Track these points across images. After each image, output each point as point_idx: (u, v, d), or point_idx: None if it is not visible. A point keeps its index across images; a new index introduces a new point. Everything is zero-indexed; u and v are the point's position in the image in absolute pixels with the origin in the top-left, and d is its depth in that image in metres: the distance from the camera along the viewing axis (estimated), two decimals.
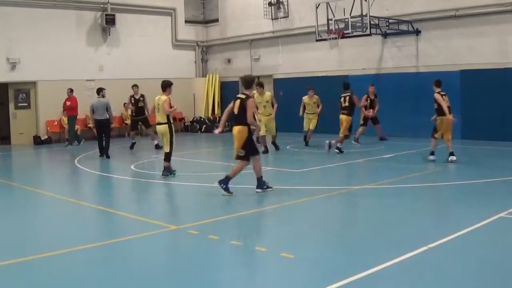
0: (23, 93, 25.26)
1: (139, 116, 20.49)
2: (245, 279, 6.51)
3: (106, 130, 18.28)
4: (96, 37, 26.84)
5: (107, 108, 18.21)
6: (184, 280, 6.44)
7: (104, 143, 18.19)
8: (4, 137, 24.76)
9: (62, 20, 25.58)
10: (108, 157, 18.04)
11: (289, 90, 25.87)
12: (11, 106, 24.94)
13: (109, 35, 27.03)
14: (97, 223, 9.92)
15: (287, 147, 19.53)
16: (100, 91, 18.58)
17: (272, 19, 26.78)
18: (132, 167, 16.07)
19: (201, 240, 8.07)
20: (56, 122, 25.53)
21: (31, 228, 9.51)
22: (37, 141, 24.81)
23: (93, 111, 18.27)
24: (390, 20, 21.49)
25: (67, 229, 9.31)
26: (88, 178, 15.25)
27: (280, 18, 26.52)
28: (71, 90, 23.09)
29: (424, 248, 7.17)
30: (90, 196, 12.43)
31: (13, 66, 24.32)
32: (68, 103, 23.08)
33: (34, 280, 6.54)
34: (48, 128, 25.42)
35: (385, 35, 22.35)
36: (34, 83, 25.06)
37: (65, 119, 25.21)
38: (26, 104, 25.25)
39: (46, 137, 25.09)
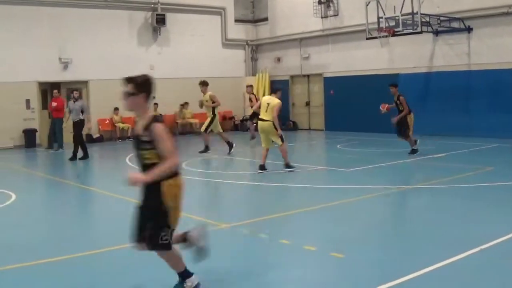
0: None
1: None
2: (294, 278, 6.49)
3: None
4: (146, 36, 27.15)
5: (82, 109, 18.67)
6: (232, 279, 6.46)
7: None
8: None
9: (113, 20, 25.97)
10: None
11: (339, 89, 25.77)
12: (66, 104, 25.33)
13: (160, 34, 27.30)
14: None
15: (338, 146, 19.42)
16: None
17: (321, 18, 26.67)
18: (182, 165, 16.15)
19: (250, 238, 8.10)
20: (107, 121, 25.89)
21: (84, 225, 9.69)
22: (89, 139, 25.18)
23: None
24: (441, 18, 21.21)
25: (119, 226, 9.40)
26: None
27: (330, 16, 26.39)
28: (58, 91, 22.60)
29: (477, 249, 7.05)
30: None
31: (65, 65, 24.77)
32: (54, 104, 21.97)
33: (87, 275, 6.68)
34: (100, 127, 25.81)
35: (436, 33, 22.04)
36: (86, 83, 25.47)
37: (116, 118, 25.60)
38: None
39: (97, 135, 25.48)
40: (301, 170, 14.58)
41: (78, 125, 18.56)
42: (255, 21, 31.02)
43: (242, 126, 29.11)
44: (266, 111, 14.16)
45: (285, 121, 28.55)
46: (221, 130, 19.20)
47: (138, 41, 26.88)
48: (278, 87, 15.04)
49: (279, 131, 14.06)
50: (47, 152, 21.48)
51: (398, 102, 16.81)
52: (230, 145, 18.59)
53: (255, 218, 9.37)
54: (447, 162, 15.43)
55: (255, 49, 31.08)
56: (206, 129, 18.65)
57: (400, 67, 23.48)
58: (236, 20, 30.24)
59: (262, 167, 14.19)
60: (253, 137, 21.28)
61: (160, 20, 26.72)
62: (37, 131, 23.72)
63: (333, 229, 8.73)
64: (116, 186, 13.42)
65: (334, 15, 26.22)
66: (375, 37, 21.32)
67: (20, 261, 7.23)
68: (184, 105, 27.23)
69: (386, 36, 20.92)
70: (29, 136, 23.66)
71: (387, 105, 17.48)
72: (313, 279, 6.48)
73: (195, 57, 27.97)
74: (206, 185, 13.27)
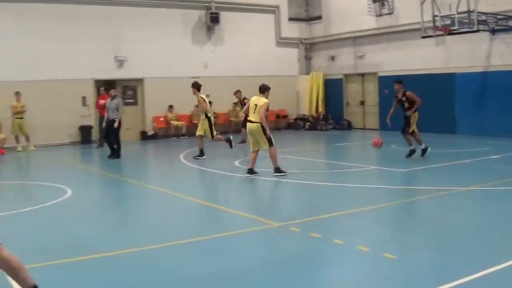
0: (131, 90, 26.06)
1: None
2: (346, 279, 6.46)
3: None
4: (201, 35, 27.33)
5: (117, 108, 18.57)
6: (285, 277, 6.45)
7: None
8: None
9: (168, 19, 26.23)
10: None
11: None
12: None
13: (214, 33, 27.45)
14: (201, 218, 10.10)
15: (392, 145, 19.23)
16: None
17: (376, 16, 26.43)
18: (236, 163, 16.25)
19: (303, 237, 8.09)
20: (162, 118, 26.15)
21: (139, 221, 9.82)
22: (144, 136, 25.54)
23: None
24: (498, 16, 20.80)
25: (172, 223, 9.54)
26: (192, 173, 15.52)
27: (384, 14, 26.13)
28: (104, 89, 22.73)
29: None
30: (194, 191, 12.61)
31: (120, 63, 25.14)
32: (101, 101, 22.24)
33: (141, 270, 6.76)
34: (155, 124, 26.10)
35: (493, 32, 21.61)
36: (141, 80, 25.79)
37: (170, 115, 25.85)
38: (133, 101, 26.02)
39: (152, 132, 25.78)
40: (355, 170, 14.50)
41: (112, 124, 18.56)
42: (309, 19, 30.90)
43: (295, 125, 29.07)
44: (254, 112, 13.60)
45: (339, 120, 28.43)
46: (203, 135, 17.89)
47: (192, 40, 27.09)
48: (266, 86, 14.00)
49: (268, 133, 13.52)
50: (100, 148, 21.80)
51: (403, 99, 16.00)
52: (201, 153, 17.66)
53: (307, 217, 9.34)
54: (504, 163, 15.12)
55: (309, 47, 30.96)
56: (212, 135, 17.77)
57: (456, 66, 23.10)
58: (290, 19, 30.18)
59: (251, 171, 13.70)
60: (243, 141, 20.90)
61: (214, 19, 26.86)
62: (92, 128, 24.11)
63: (386, 230, 8.66)
64: (169, 183, 13.65)
65: (389, 14, 25.92)
66: (431, 36, 21.06)
67: (76, 255, 7.37)
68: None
69: (442, 35, 20.63)
70: (85, 133, 24.09)
71: (380, 140, 17.80)
72: (365, 279, 6.44)
73: (248, 56, 28.05)
74: (257, 183, 13.28)
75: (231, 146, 18.08)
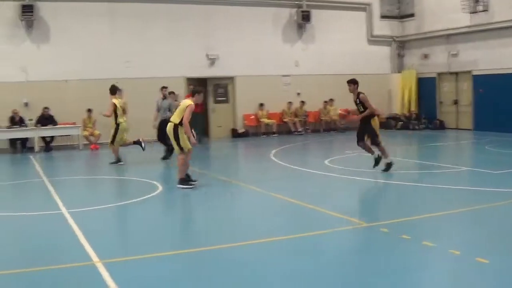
0: (222, 88, 26.41)
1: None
2: (438, 283, 6.38)
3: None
4: (291, 33, 27.37)
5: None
6: (373, 278, 6.43)
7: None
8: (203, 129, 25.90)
9: (259, 17, 26.41)
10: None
11: (489, 88, 24.85)
12: (211, 100, 26.16)
13: (305, 31, 27.46)
14: (290, 216, 10.13)
15: (486, 146, 18.74)
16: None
17: (470, 13, 25.76)
18: (326, 162, 16.22)
19: (392, 239, 8.02)
20: (252, 116, 26.36)
21: (229, 218, 9.95)
22: (235, 134, 25.82)
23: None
24: None
25: (262, 220, 9.63)
26: (282, 171, 15.56)
27: (479, 12, 25.44)
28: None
29: None
30: (284, 189, 12.61)
31: (212, 62, 25.51)
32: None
33: (241, 265, 6.92)
34: (245, 122, 26.34)
35: None
36: (232, 78, 26.10)
37: (261, 113, 26.03)
38: (224, 99, 26.37)
39: (243, 130, 26.03)
40: (447, 171, 14.25)
41: (165, 124, 18.01)
42: (401, 17, 30.40)
43: (387, 124, 28.69)
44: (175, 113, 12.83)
45: (432, 120, 27.90)
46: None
47: (283, 38, 27.16)
48: (198, 89, 13.11)
49: (181, 141, 12.43)
50: None
51: (357, 101, 13.93)
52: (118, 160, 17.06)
53: (397, 218, 9.25)
54: None
55: (401, 45, 30.50)
56: (112, 141, 17.07)
57: None
58: (382, 16, 29.81)
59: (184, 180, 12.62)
60: None
61: (305, 17, 26.83)
62: None
63: (478, 233, 8.47)
64: (259, 180, 13.74)
65: (484, 11, 25.22)
66: None
67: (178, 248, 7.56)
68: (328, 101, 27.24)
69: None
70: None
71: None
72: (457, 283, 6.34)
73: (339, 54, 27.83)
74: (347, 183, 13.23)
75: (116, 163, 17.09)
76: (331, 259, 7.21)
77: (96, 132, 22.69)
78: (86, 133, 22.67)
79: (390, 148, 18.34)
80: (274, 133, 25.98)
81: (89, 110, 22.66)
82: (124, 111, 17.13)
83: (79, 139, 22.36)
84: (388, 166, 13.82)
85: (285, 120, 26.51)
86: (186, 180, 12.44)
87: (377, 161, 14.04)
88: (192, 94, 12.89)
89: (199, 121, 22.65)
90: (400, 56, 30.36)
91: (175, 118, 12.43)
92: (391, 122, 28.57)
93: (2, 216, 10.24)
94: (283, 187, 13.02)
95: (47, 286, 6.32)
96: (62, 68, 23.06)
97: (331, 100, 27.08)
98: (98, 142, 22.40)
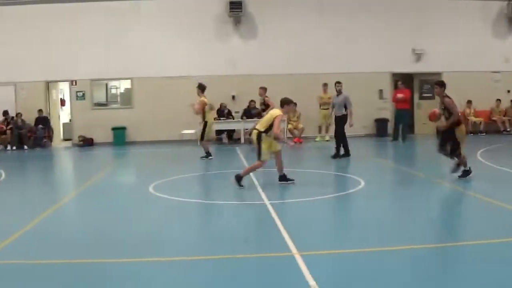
0: (428, 83, 25.71)
1: None
2: None
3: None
4: (501, 28, 25.96)
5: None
6: None
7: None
8: (409, 126, 25.34)
9: (466, 11, 25.40)
10: None
11: None
12: (416, 96, 25.59)
13: None
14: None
15: None
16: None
17: None
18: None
19: None
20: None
21: (427, 217, 9.58)
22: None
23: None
24: None
25: (461, 222, 9.22)
26: (490, 172, 14.71)
27: None
28: (402, 83, 22.76)
29: None
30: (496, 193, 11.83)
31: (418, 57, 24.93)
32: (400, 95, 22.42)
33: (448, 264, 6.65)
34: None
35: None
36: (439, 74, 25.27)
37: (468, 111, 25.03)
38: (430, 95, 25.64)
39: None
40: None
41: (340, 120, 17.26)
42: None
43: None
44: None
45: None
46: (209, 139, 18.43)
47: (492, 33, 25.85)
48: (287, 99, 12.64)
49: (262, 149, 12.05)
50: (395, 143, 21.86)
51: (443, 107, 12.65)
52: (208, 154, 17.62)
53: None
54: None
55: None
56: (202, 137, 17.89)
57: None
58: None
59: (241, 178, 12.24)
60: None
61: None
62: (388, 121, 24.25)
63: None
64: (466, 181, 13.14)
65: None
66: None
67: (372, 246, 7.46)
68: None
69: None
70: (380, 126, 24.34)
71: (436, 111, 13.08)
72: None
73: None
74: None
75: (207, 157, 17.57)
76: None
77: (300, 125, 23.11)
78: (290, 126, 23.14)
79: None
80: (481, 132, 24.86)
81: (294, 104, 23.05)
82: (211, 108, 17.75)
83: (284, 132, 22.84)
84: (467, 173, 12.48)
85: (493, 118, 25.28)
86: (241, 178, 12.06)
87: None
88: (281, 104, 12.52)
89: (405, 117, 22.30)
90: None
91: (260, 126, 12.19)
92: None
93: (209, 204, 10.72)
94: (493, 190, 12.24)
95: (247, 273, 6.47)
96: (269, 63, 23.76)
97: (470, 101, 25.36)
98: (302, 136, 22.81)
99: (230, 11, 23.58)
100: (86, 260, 7.10)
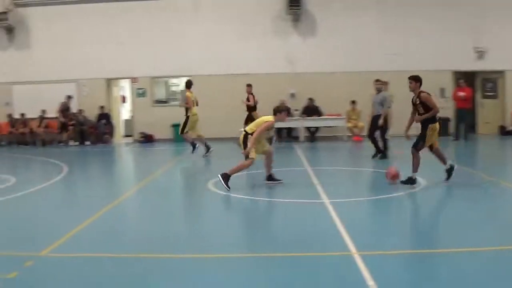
0: (491, 82, 25.23)
1: None
2: None
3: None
4: None
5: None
6: None
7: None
8: (471, 125, 24.93)
9: None
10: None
11: None
12: (478, 95, 25.13)
13: None
14: None
15: None
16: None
17: None
18: None
19: None
20: None
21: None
22: (502, 131, 24.51)
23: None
24: None
25: None
26: None
27: None
28: (465, 81, 22.46)
29: None
30: None
31: (480, 55, 24.43)
32: (461, 93, 22.05)
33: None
34: None
35: None
36: (502, 73, 24.78)
37: None
38: (493, 94, 25.16)
39: (511, 128, 24.59)
40: None
41: (376, 120, 16.74)
42: None
43: None
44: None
45: None
46: (200, 133, 18.92)
47: None
48: (281, 107, 12.45)
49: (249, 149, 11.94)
50: (457, 142, 21.52)
51: (418, 101, 12.29)
52: (193, 146, 18.67)
53: None
54: None
55: None
56: (182, 130, 18.81)
57: None
58: None
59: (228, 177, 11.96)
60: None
61: None
62: (449, 120, 23.87)
63: None
64: None
65: None
66: None
67: (432, 248, 7.35)
68: None
69: None
70: (442, 125, 23.82)
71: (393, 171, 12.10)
72: None
73: None
74: None
75: (192, 151, 18.54)
76: None
77: (361, 124, 22.98)
78: (350, 124, 23.04)
79: None
80: None
81: (353, 102, 22.96)
82: (196, 104, 18.70)
83: (344, 130, 22.73)
84: (410, 181, 11.68)
85: None
86: (228, 177, 11.77)
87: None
88: (274, 112, 12.13)
89: (467, 116, 21.92)
90: None
91: (249, 129, 12.13)
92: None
93: (267, 202, 10.74)
94: None
95: (305, 272, 6.45)
96: (328, 61, 23.69)
97: None
98: (361, 134, 22.65)
99: (289, 9, 23.57)
100: (148, 255, 7.19)
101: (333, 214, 9.18)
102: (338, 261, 6.78)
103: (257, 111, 20.01)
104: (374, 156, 16.73)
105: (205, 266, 6.74)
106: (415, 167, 11.70)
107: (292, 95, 24.04)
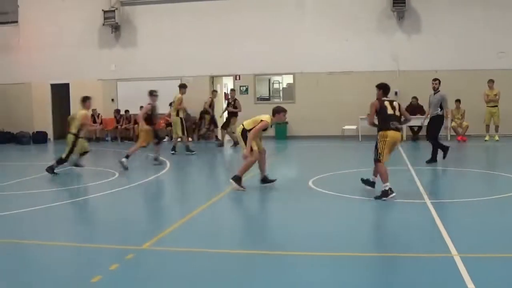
0: None
1: None
2: None
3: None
4: None
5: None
6: None
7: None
8: None
9: None
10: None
11: None
12: None
13: None
14: None
15: None
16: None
17: None
18: None
19: None
20: None
21: None
22: None
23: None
24: None
25: None
26: None
27: None
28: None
29: None
30: None
31: None
32: None
33: None
34: None
35: None
36: None
37: None
38: None
39: None
40: None
41: (434, 121, 15.77)
42: None
43: None
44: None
45: None
46: (180, 135, 19.58)
47: None
48: (279, 108, 12.20)
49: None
50: None
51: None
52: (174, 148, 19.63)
53: None
54: None
55: None
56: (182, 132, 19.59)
57: None
58: None
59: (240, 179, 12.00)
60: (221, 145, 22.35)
61: None
62: None
63: None
64: None
65: None
66: None
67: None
68: None
69: None
70: None
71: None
72: None
73: None
74: None
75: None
76: None
77: (465, 123, 22.46)
78: (454, 124, 22.54)
79: None
80: None
81: (458, 101, 22.47)
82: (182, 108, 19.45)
83: (448, 130, 22.26)
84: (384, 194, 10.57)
85: None
86: (240, 179, 11.93)
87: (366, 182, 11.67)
88: (273, 113, 12.11)
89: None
90: None
91: (246, 124, 12.14)
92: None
93: (368, 201, 10.70)
94: None
95: (404, 273, 6.43)
96: (432, 58, 23.28)
97: None
98: (466, 134, 22.15)
99: (393, 6, 23.35)
100: (247, 251, 7.34)
101: (434, 214, 9.10)
102: (437, 263, 6.70)
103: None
104: (444, 157, 15.67)
105: (299, 264, 6.81)
106: (385, 178, 10.68)
107: (396, 93, 23.71)
